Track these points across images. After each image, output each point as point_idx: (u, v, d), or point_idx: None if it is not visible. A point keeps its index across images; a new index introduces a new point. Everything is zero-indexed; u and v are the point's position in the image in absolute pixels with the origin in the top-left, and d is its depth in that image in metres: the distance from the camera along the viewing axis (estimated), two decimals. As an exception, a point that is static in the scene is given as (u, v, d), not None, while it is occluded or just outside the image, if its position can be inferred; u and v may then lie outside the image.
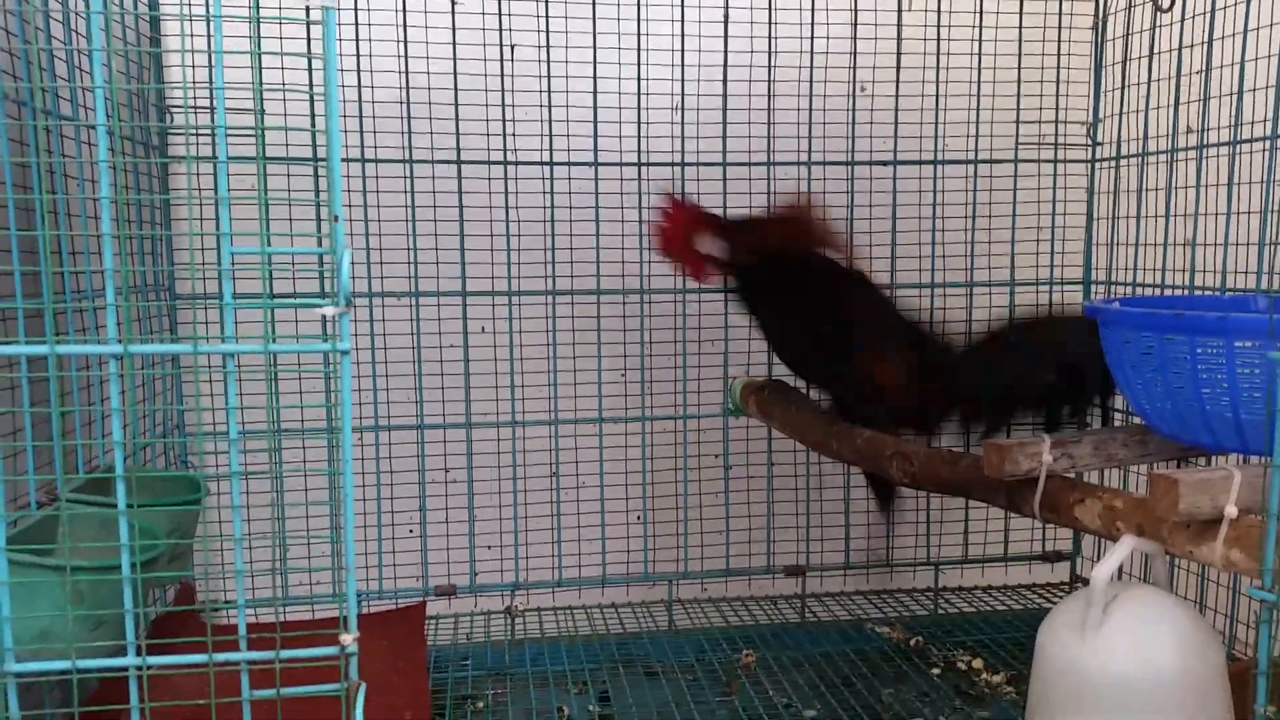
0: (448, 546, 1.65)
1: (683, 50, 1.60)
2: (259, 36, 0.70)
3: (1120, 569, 1.34)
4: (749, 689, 1.39)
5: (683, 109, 1.62)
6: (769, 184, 1.63)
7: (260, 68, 0.69)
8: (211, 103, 1.43)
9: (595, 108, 1.58)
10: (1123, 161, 1.63)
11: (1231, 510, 0.87)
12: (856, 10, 1.62)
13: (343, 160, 1.53)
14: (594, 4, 1.56)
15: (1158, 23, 1.51)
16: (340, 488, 0.75)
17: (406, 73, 1.54)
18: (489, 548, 1.67)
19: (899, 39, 1.63)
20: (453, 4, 1.54)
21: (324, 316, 0.71)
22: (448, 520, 1.65)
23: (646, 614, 1.67)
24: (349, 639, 0.73)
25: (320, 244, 0.88)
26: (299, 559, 1.57)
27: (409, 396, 1.62)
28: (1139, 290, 1.55)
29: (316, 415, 1.60)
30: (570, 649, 1.54)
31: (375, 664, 1.38)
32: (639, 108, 1.60)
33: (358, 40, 1.51)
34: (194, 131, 1.48)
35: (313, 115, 1.41)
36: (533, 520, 1.67)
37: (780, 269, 1.38)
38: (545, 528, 1.67)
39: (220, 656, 0.72)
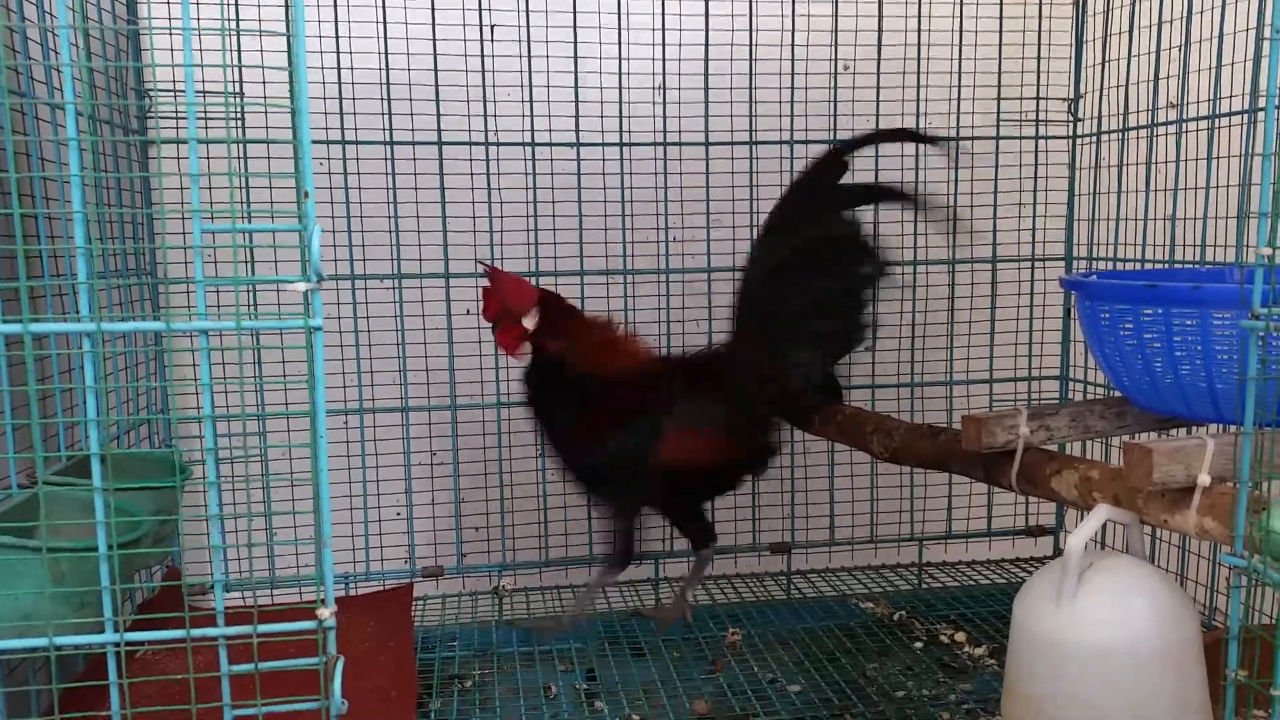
0: (434, 529, 1.65)
1: (664, 29, 1.59)
2: (237, 15, 0.70)
3: (1099, 540, 1.35)
4: (734, 666, 1.40)
5: (664, 88, 1.62)
6: (751, 163, 1.63)
7: (237, 50, 0.69)
8: (175, 83, 1.43)
9: (576, 87, 1.58)
10: (1104, 137, 1.63)
11: (1205, 479, 0.88)
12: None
13: (324, 143, 1.54)
14: (574, -17, 1.56)
15: (1137, -3, 1.51)
16: (315, 458, 0.75)
17: (386, 54, 1.54)
18: (476, 529, 1.68)
19: (880, 15, 1.63)
20: (431, -15, 1.53)
21: (302, 293, 0.71)
22: (434, 502, 1.66)
23: (633, 592, 1.68)
24: (326, 613, 0.74)
25: (300, 220, 0.88)
26: (285, 541, 1.57)
27: (393, 379, 1.62)
28: (1120, 265, 1.55)
29: (301, 397, 1.60)
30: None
31: (363, 644, 1.39)
32: (620, 87, 1.60)
33: (336, 21, 1.51)
34: (172, 117, 1.47)
35: (292, 91, 1.41)
36: (519, 501, 1.67)
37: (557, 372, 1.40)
38: (532, 509, 1.68)
39: (198, 632, 0.73)
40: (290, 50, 0.67)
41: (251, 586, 1.55)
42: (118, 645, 0.73)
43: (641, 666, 1.41)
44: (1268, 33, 0.81)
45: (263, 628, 0.73)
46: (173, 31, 1.21)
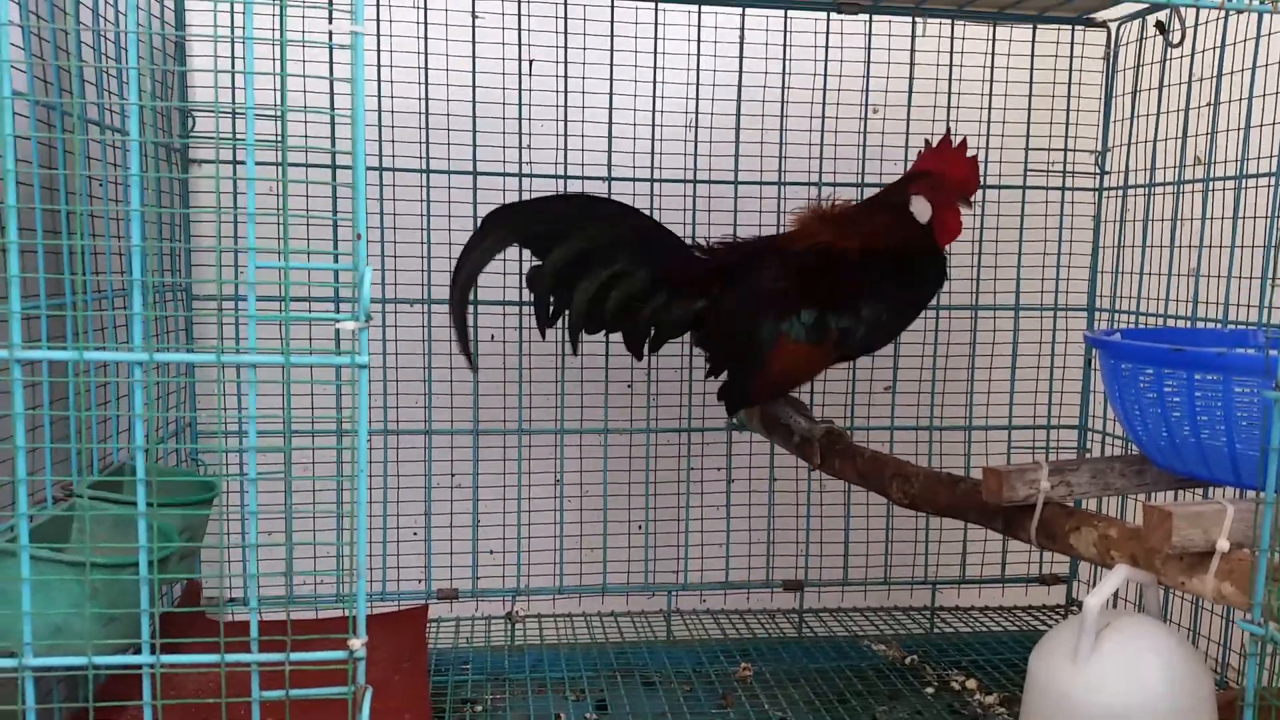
0: (451, 551, 1.67)
1: (699, 69, 1.62)
2: (284, 58, 0.72)
3: (1114, 596, 1.36)
4: (744, 702, 1.40)
5: (696, 126, 1.64)
6: (779, 203, 1.65)
7: (285, 89, 0.71)
8: (235, 120, 1.47)
9: (610, 123, 1.61)
10: (1129, 191, 1.65)
11: (1223, 544, 0.89)
12: (870, 35, 1.65)
13: (368, 169, 1.58)
14: (612, 21, 1.58)
15: (1168, 56, 1.52)
16: (352, 493, 0.77)
17: (426, 84, 1.57)
18: (491, 553, 1.70)
19: (911, 64, 1.65)
20: (473, 16, 1.56)
21: (338, 330, 0.73)
22: (452, 525, 1.67)
23: (645, 624, 1.69)
24: (358, 644, 0.75)
25: (337, 259, 0.90)
26: (305, 558, 1.58)
27: (418, 402, 1.64)
28: (1143, 320, 1.56)
29: (326, 416, 1.63)
30: (569, 656, 1.56)
31: (377, 665, 1.40)
32: (653, 124, 1.62)
33: (379, 50, 1.54)
34: (218, 151, 1.50)
35: (333, 136, 1.44)
36: (535, 528, 1.69)
37: None
38: (548, 535, 1.69)
39: (232, 658, 0.75)
40: (351, 99, 0.69)
41: (270, 604, 1.56)
42: (153, 667, 0.75)
43: (652, 698, 1.42)
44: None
45: (295, 655, 0.75)
46: (218, 58, 1.25)
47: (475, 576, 1.67)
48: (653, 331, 1.42)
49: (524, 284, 1.43)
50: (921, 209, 1.37)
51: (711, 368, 1.46)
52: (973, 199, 1.38)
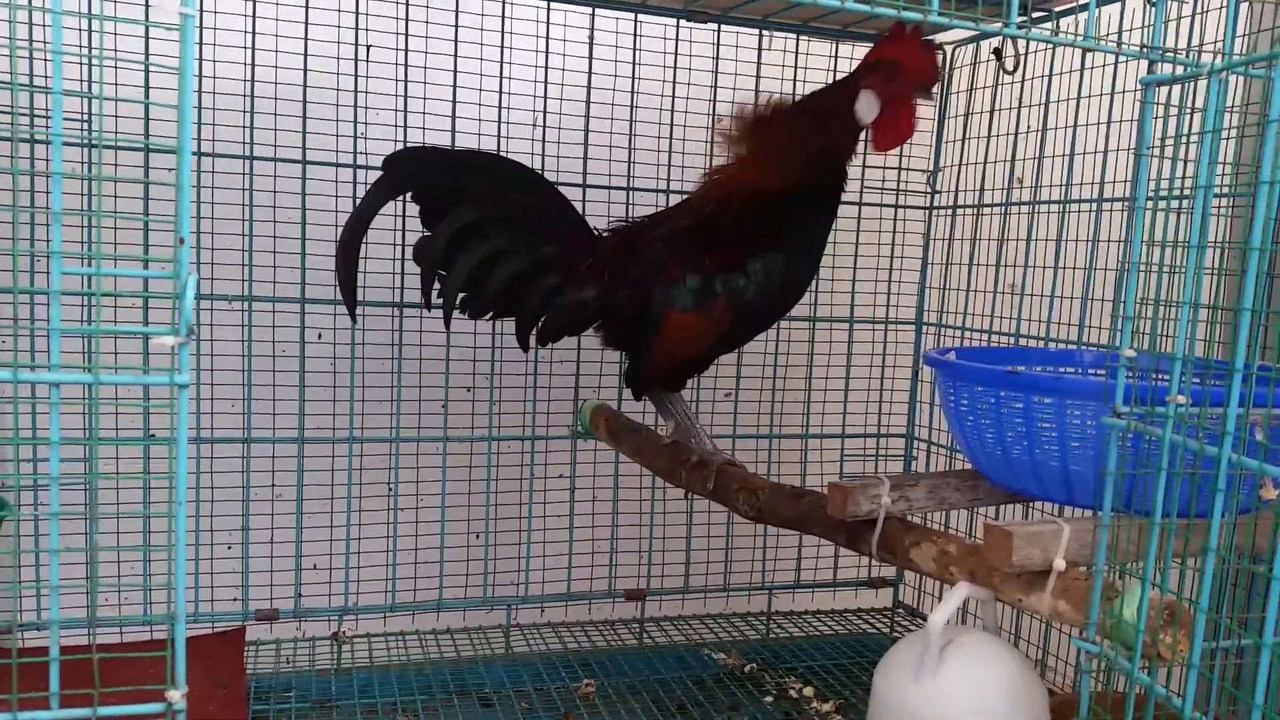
0: (271, 568, 1.56)
1: (547, 66, 1.58)
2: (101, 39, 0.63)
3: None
4: (585, 716, 1.37)
5: (545, 126, 1.60)
6: (627, 209, 1.63)
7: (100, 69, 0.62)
8: (33, 108, 1.31)
9: (454, 117, 1.54)
10: (958, 211, 1.72)
11: (1060, 563, 0.92)
12: (718, 45, 1.64)
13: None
14: (457, 10, 1.52)
15: (999, 80, 1.59)
16: (170, 519, 0.68)
17: (253, 65, 1.45)
18: (316, 568, 1.60)
19: (758, 75, 1.66)
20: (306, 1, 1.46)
21: (146, 341, 0.65)
22: (273, 540, 1.56)
23: (483, 640, 1.63)
24: (177, 695, 0.67)
25: (147, 265, 0.82)
26: (109, 578, 1.45)
27: (235, 408, 1.52)
28: (969, 337, 1.63)
29: (131, 425, 1.49)
30: (401, 677, 1.49)
31: (190, 694, 1.29)
32: (499, 121, 1.56)
33: (202, 28, 1.42)
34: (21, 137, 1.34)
35: (146, 119, 1.31)
36: (366, 542, 1.60)
37: None
38: (379, 549, 1.61)
39: (26, 716, 0.65)
40: (179, 88, 0.61)
41: (68, 626, 1.41)
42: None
43: (490, 717, 1.37)
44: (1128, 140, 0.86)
45: (103, 711, 0.66)
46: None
47: (298, 595, 1.57)
48: (544, 319, 1.32)
49: (413, 255, 1.32)
50: (868, 107, 1.23)
51: (610, 345, 1.38)
52: (934, 90, 1.25)
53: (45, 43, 1.21)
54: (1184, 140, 0.79)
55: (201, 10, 1.41)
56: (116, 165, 1.39)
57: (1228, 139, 1.28)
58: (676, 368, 1.34)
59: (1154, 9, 0.86)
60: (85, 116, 1.34)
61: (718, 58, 1.65)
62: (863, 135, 1.27)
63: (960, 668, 0.95)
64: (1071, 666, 1.48)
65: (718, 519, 1.75)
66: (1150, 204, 0.82)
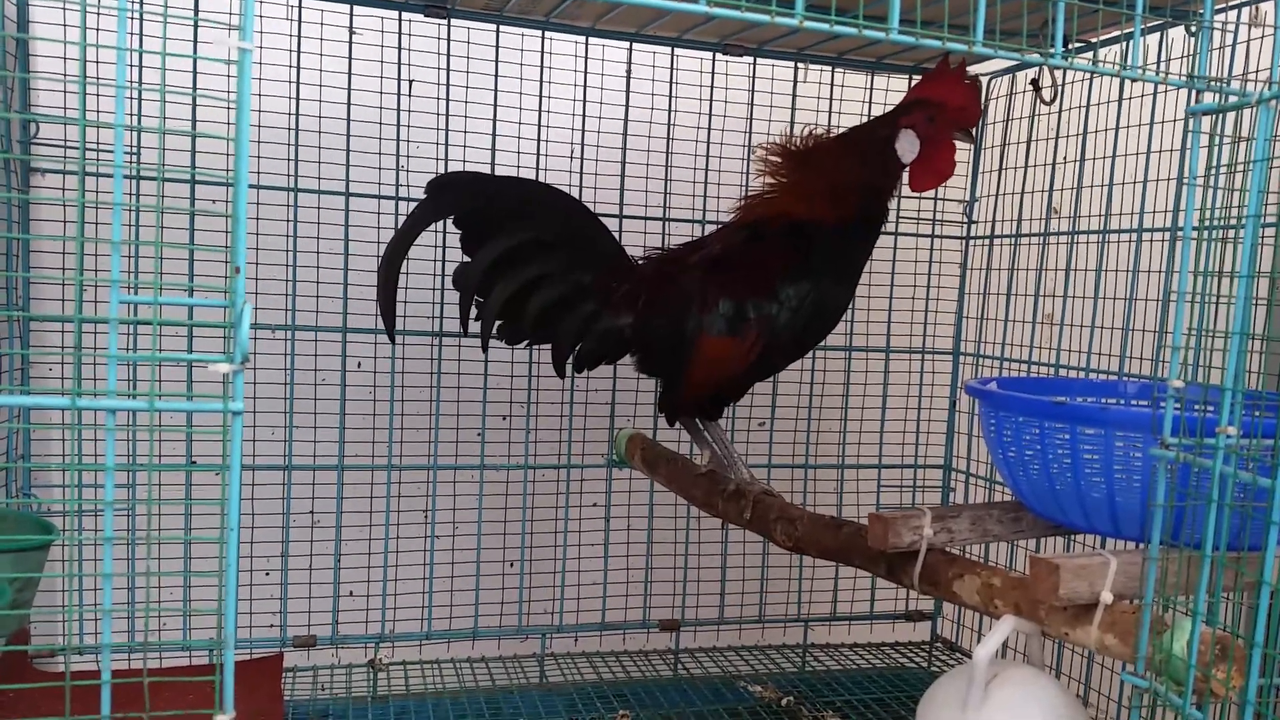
0: (310, 595, 1.57)
1: (585, 100, 1.59)
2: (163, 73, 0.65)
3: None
4: (622, 750, 1.37)
5: (582, 158, 1.61)
6: (663, 239, 1.64)
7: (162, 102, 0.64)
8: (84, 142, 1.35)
9: (494, 150, 1.56)
10: (996, 240, 1.71)
11: (1108, 596, 0.91)
12: (754, 77, 1.66)
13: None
14: (497, 46, 1.54)
15: (1036, 111, 1.59)
16: (222, 546, 0.69)
17: (298, 99, 1.48)
18: (353, 595, 1.60)
19: (793, 108, 1.67)
20: (350, 32, 1.49)
21: (190, 368, 0.67)
22: (311, 567, 1.57)
23: (518, 669, 1.63)
24: (225, 721, 0.68)
25: (192, 293, 0.83)
26: (153, 603, 1.46)
27: (276, 435, 1.54)
28: (1008, 368, 1.62)
29: (175, 449, 1.51)
30: (437, 705, 1.49)
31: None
32: (538, 154, 1.58)
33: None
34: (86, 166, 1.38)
35: (193, 152, 1.33)
36: (403, 569, 1.61)
37: None
38: (416, 577, 1.61)
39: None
40: (237, 122, 0.63)
41: (107, 649, 1.43)
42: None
43: (527, 750, 1.36)
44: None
45: (152, 736, 0.67)
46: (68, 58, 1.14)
47: (335, 622, 1.57)
48: (581, 346, 1.32)
49: (453, 281, 1.32)
50: (908, 146, 1.24)
51: (645, 373, 1.38)
52: (974, 131, 1.23)
53: (98, 79, 1.25)
54: (1233, 169, 0.79)
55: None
56: (162, 197, 1.42)
57: (1275, 168, 1.27)
58: (711, 394, 1.34)
59: (1195, 39, 0.86)
60: (134, 149, 1.37)
61: (753, 90, 1.66)
62: (903, 174, 1.27)
63: (1007, 703, 0.94)
64: (1114, 702, 1.45)
65: (753, 549, 1.74)
66: (1197, 233, 0.81)
